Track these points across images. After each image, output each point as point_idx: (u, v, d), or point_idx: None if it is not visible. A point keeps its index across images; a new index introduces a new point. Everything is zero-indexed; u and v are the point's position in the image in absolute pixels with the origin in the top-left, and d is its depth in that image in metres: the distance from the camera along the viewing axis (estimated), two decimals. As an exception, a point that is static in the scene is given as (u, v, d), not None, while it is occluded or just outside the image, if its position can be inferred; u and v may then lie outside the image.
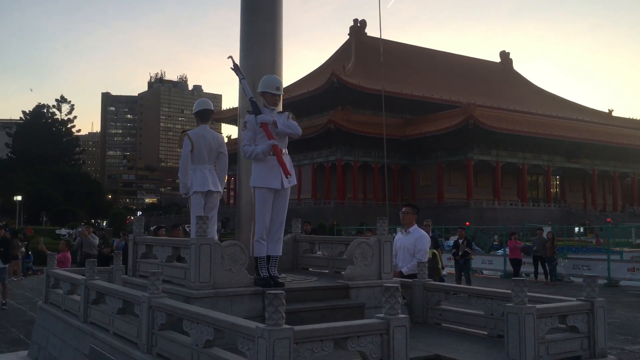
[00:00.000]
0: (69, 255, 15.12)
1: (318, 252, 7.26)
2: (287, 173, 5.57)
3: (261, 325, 3.53)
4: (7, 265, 15.00)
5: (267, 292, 3.55)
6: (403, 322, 3.94)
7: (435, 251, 10.86)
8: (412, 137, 67.50)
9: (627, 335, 10.22)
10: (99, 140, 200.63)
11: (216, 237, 6.18)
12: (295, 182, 5.84)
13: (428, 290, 6.24)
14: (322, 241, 7.34)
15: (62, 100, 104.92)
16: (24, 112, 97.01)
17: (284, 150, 5.73)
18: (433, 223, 14.83)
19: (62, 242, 16.05)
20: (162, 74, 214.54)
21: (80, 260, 15.20)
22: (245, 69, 6.40)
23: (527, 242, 24.32)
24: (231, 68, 6.22)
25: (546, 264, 21.10)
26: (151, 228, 18.05)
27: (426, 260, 7.38)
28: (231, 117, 76.63)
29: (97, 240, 16.52)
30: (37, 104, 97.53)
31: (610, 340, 9.01)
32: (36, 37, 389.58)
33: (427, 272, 6.47)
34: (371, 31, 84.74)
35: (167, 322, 4.74)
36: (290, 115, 5.82)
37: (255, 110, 5.70)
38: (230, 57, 6.27)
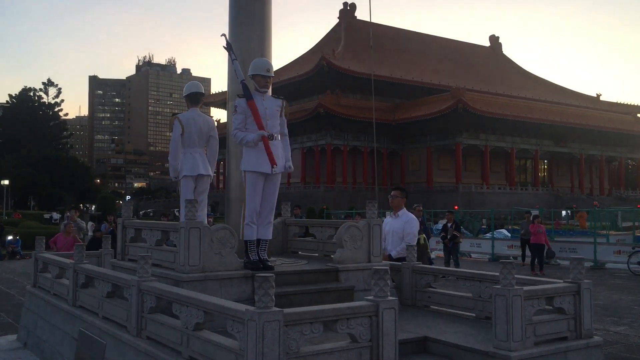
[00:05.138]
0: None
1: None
2: (272, 163, 5.53)
3: (251, 308, 3.54)
4: None
5: (257, 275, 3.56)
6: (392, 304, 3.96)
7: (424, 236, 10.92)
8: (401, 121, 67.42)
9: (613, 317, 10.36)
10: (87, 124, 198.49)
11: (206, 221, 6.17)
12: (284, 169, 5.81)
13: (417, 273, 6.28)
14: (312, 224, 7.36)
15: (49, 83, 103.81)
16: (10, 95, 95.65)
17: (277, 136, 5.69)
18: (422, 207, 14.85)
19: (69, 225, 13.94)
20: (150, 57, 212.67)
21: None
22: (235, 51, 6.32)
23: (515, 226, 24.44)
24: (224, 47, 6.13)
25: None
26: (140, 212, 17.92)
27: (415, 243, 7.42)
28: (220, 100, 76.04)
29: (84, 224, 16.40)
30: (23, 87, 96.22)
31: (596, 321, 9.12)
32: (22, 19, 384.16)
33: (416, 255, 6.51)
34: (361, 14, 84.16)
35: (156, 306, 4.74)
36: (284, 104, 5.78)
37: (246, 93, 5.65)
38: (223, 35, 6.20)
